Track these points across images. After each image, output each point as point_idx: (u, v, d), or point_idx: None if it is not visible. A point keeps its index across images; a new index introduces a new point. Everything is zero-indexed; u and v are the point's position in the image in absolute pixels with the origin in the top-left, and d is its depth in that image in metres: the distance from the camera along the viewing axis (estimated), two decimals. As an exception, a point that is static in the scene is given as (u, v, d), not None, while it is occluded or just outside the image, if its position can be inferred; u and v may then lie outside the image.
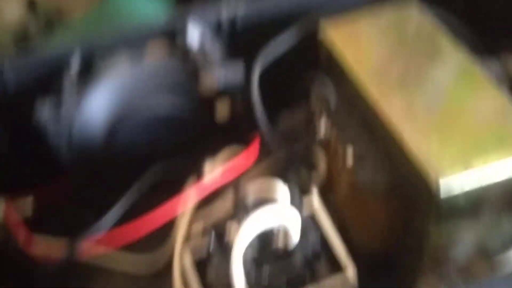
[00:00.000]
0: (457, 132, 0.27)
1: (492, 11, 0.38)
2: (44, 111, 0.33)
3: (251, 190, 0.27)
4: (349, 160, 0.29)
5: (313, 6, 0.37)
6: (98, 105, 0.35)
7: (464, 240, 0.28)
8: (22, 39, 0.53)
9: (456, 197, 0.25)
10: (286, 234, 0.26)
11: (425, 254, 0.28)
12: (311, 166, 0.32)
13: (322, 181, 0.32)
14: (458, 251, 0.28)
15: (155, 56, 0.36)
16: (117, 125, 0.36)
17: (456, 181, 0.24)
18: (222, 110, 0.35)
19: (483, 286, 0.27)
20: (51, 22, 0.55)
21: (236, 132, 0.34)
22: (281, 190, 0.27)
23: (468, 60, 0.31)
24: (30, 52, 0.35)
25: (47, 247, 0.31)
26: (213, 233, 0.26)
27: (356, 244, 0.31)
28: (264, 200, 0.27)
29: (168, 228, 0.31)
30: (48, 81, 0.35)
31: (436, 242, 0.27)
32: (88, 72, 0.35)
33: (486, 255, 0.30)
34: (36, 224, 0.34)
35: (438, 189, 0.24)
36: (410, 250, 0.29)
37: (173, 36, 0.36)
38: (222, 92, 0.34)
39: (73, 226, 0.33)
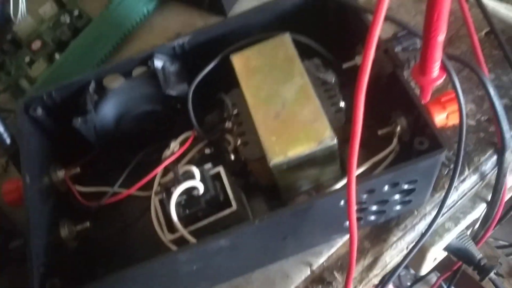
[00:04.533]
0: (286, 132, 0.46)
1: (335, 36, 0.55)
2: (77, 119, 0.52)
3: (182, 169, 0.49)
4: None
5: (234, 39, 0.53)
6: (108, 109, 0.53)
7: (300, 180, 0.49)
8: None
9: (281, 168, 0.46)
10: (197, 190, 0.47)
11: (279, 186, 0.49)
12: (226, 143, 0.53)
13: (232, 150, 0.52)
14: (298, 184, 0.50)
15: (139, 76, 0.54)
16: (120, 119, 0.54)
17: (279, 162, 0.45)
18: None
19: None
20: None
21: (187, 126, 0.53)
22: (195, 169, 0.47)
23: (305, 80, 0.48)
24: (69, 82, 0.53)
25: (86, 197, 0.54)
26: (164, 189, 0.48)
27: (257, 181, 0.53)
28: (187, 175, 0.48)
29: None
30: (78, 98, 0.54)
31: (281, 182, 0.48)
32: (100, 89, 0.53)
33: (321, 185, 0.50)
34: (80, 180, 0.56)
35: (271, 165, 0.45)
36: (277, 184, 0.49)
37: (147, 63, 0.53)
38: (179, 98, 0.54)
39: (101, 180, 0.56)
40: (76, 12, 0.72)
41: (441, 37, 0.40)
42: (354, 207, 0.39)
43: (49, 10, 0.73)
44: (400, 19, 0.51)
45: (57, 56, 0.69)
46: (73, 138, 0.54)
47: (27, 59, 0.70)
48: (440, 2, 0.36)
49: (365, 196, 0.46)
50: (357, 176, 0.41)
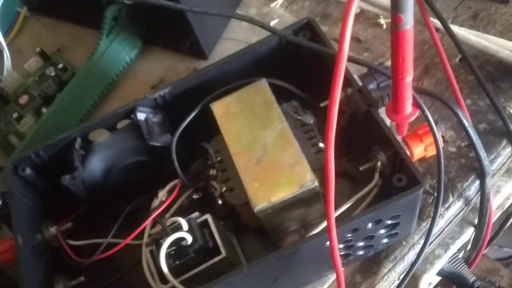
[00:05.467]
0: (268, 178, 0.47)
1: (312, 76, 0.56)
2: (65, 177, 0.53)
3: (169, 220, 0.50)
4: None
5: (213, 86, 0.54)
6: (95, 164, 0.55)
7: (287, 221, 0.50)
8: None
9: (266, 212, 0.47)
10: (186, 240, 0.48)
11: (266, 228, 0.50)
12: (212, 190, 0.54)
13: (219, 196, 0.53)
14: (286, 225, 0.51)
15: (123, 129, 0.56)
16: (108, 172, 0.56)
17: (263, 207, 0.47)
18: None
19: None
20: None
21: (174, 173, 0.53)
22: (182, 221, 0.48)
23: (284, 124, 0.49)
24: (55, 140, 0.54)
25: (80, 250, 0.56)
26: (153, 241, 0.50)
27: (246, 223, 0.54)
28: (175, 226, 0.49)
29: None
30: (65, 154, 0.55)
31: (268, 224, 0.49)
32: (86, 144, 0.55)
33: (308, 223, 0.51)
34: (72, 233, 0.57)
35: (255, 211, 0.46)
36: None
37: (130, 116, 0.54)
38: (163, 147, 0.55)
39: (93, 232, 0.58)
40: (60, 65, 0.73)
41: (409, 78, 0.41)
42: (337, 254, 0.40)
43: (34, 65, 0.74)
44: (368, 61, 0.52)
45: (44, 110, 0.70)
46: (63, 193, 0.55)
47: (15, 115, 0.71)
48: (403, 49, 0.37)
49: (350, 234, 0.46)
50: (339, 218, 0.42)
